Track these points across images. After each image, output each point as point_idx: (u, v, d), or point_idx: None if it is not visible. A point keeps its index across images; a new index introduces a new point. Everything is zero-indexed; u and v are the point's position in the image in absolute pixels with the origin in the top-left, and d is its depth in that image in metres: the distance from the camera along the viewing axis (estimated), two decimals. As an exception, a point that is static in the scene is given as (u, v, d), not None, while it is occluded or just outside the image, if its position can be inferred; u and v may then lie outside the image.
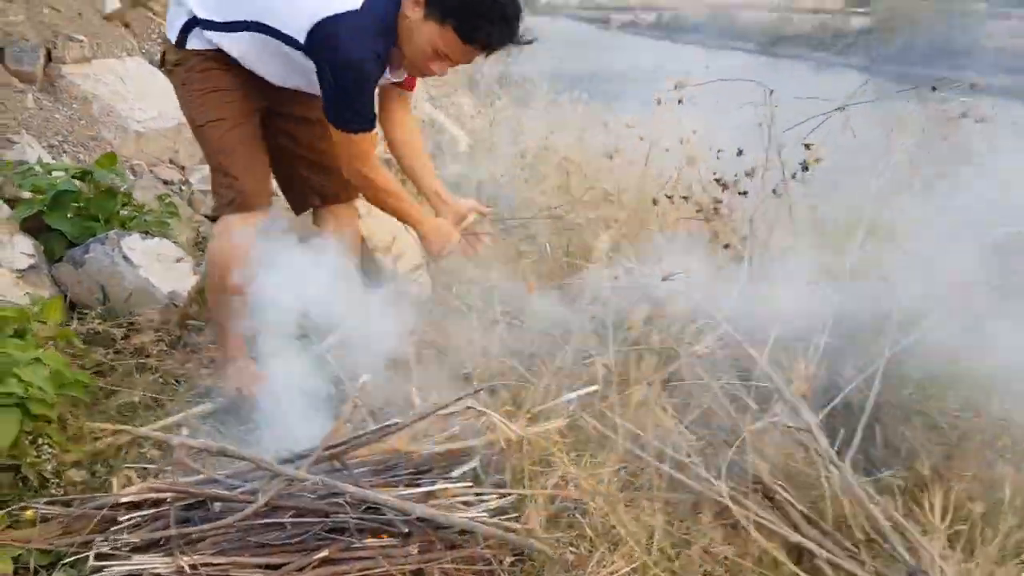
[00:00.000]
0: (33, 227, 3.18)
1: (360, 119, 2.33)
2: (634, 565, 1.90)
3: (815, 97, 2.79)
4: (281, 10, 2.27)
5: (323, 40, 2.20)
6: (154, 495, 1.81)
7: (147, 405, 2.60)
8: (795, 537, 1.87)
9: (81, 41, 5.18)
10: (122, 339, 2.84)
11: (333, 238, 2.59)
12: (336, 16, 2.17)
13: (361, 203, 2.88)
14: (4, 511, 1.87)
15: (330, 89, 2.26)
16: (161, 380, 2.78)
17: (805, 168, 2.80)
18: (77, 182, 3.23)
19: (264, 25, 2.29)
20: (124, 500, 1.80)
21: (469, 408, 2.01)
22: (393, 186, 2.51)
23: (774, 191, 2.82)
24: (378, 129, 2.49)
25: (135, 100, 5.22)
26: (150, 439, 2.19)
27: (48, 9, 5.20)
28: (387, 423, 1.96)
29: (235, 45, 2.37)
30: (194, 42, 2.40)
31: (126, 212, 3.36)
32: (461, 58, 2.28)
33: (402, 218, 2.60)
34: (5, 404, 1.87)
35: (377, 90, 2.44)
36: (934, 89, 2.92)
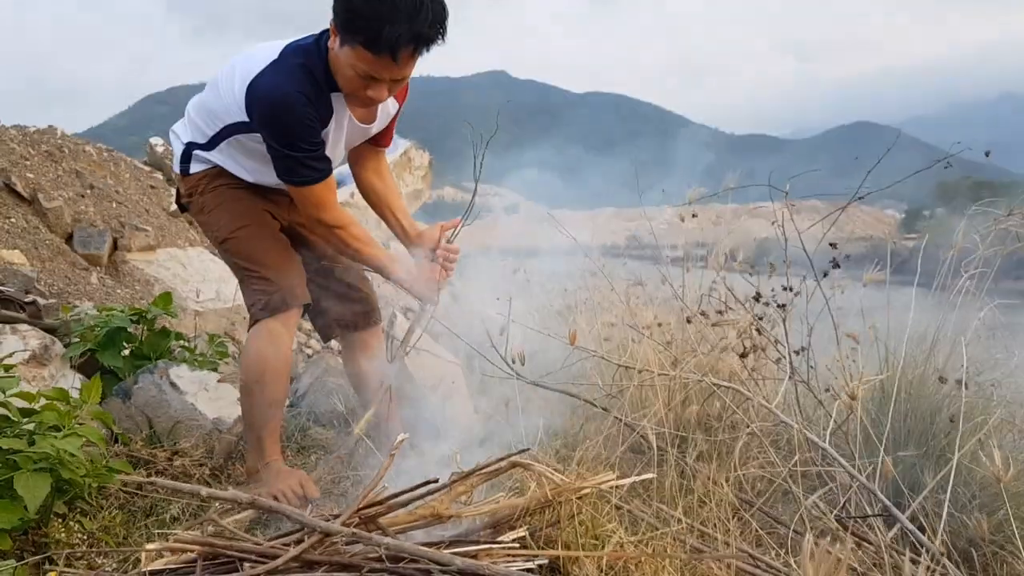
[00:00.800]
0: (86, 366, 3.23)
1: (308, 170, 2.31)
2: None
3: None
4: (229, 102, 2.33)
5: (251, 100, 2.24)
6: (180, 549, 1.69)
7: (184, 521, 2.50)
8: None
9: (146, 231, 5.52)
10: (165, 461, 2.78)
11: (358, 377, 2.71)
12: (258, 74, 2.23)
13: None
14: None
15: (273, 148, 2.28)
16: (200, 503, 2.68)
17: (836, 265, 2.80)
18: (132, 325, 3.31)
19: (228, 125, 2.38)
20: (149, 559, 1.70)
21: (516, 465, 1.89)
22: (359, 232, 2.50)
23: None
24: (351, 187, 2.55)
25: (195, 284, 5.46)
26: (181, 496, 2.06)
27: (116, 204, 5.60)
28: (428, 480, 1.85)
29: (223, 158, 2.47)
30: (196, 166, 2.52)
31: (178, 352, 3.40)
32: (384, 73, 2.19)
33: (373, 265, 2.58)
34: (38, 468, 1.81)
35: (347, 152, 2.55)
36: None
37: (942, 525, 2.05)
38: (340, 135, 2.44)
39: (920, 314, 2.89)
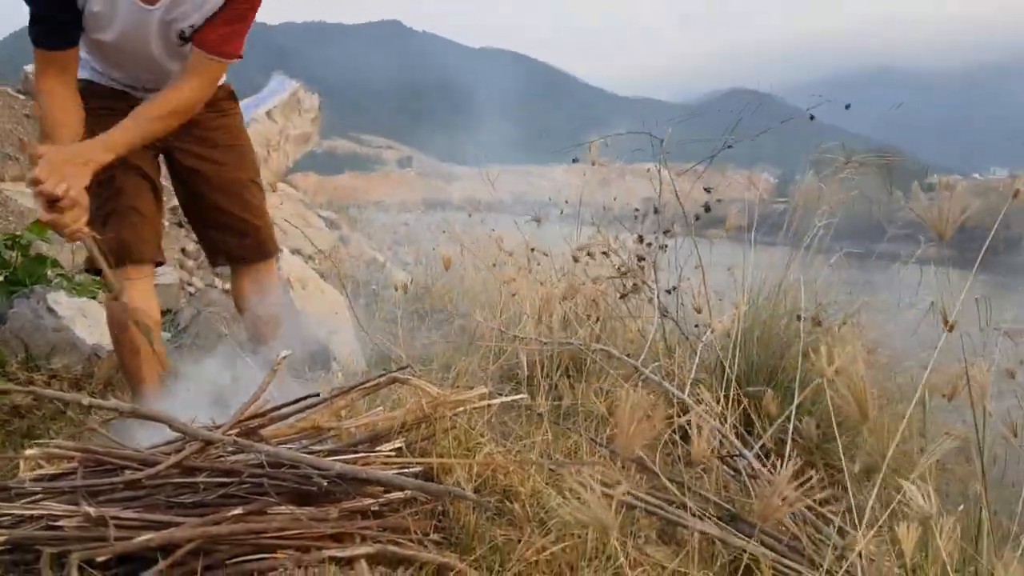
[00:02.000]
0: (-43, 292, 3.14)
1: (33, 28, 2.18)
2: (563, 545, 1.85)
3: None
4: None
5: None
6: (60, 456, 1.73)
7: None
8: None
9: (19, 160, 5.30)
10: (43, 383, 2.76)
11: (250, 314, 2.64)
12: None
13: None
14: None
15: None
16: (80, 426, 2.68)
17: (707, 209, 3.00)
18: (6, 251, 3.23)
19: None
20: (28, 468, 1.73)
21: (395, 381, 1.99)
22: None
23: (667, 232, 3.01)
24: None
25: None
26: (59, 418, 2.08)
27: (-10, 132, 5.37)
28: (308, 395, 1.93)
29: (84, 64, 2.34)
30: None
31: (56, 280, 3.34)
32: None
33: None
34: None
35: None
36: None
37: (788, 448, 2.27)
38: (113, 12, 2.19)
39: (780, 268, 3.14)
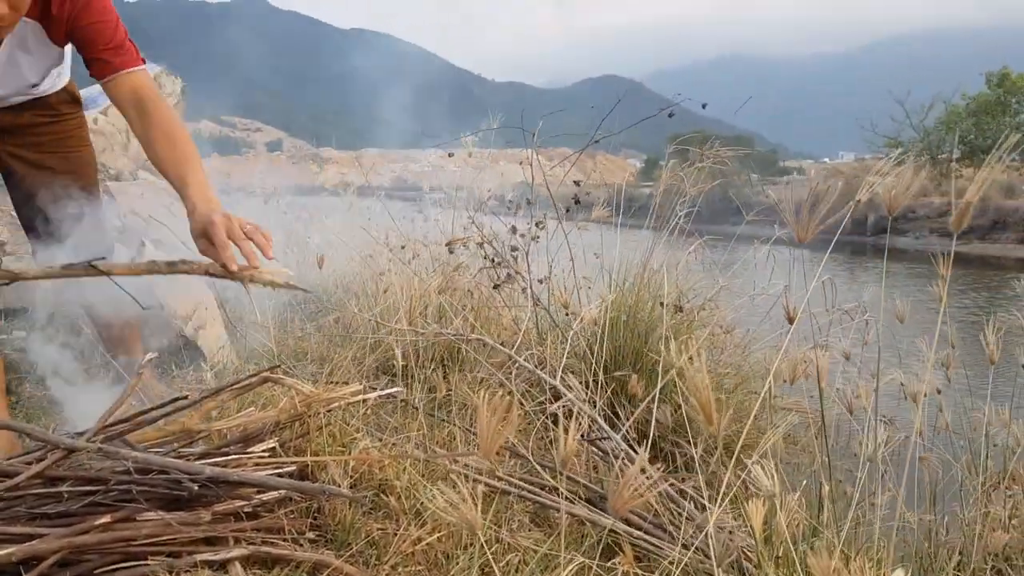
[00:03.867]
0: None
1: None
2: (438, 535, 1.89)
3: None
4: None
5: None
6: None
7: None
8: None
9: None
10: None
11: None
12: None
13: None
14: None
15: None
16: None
17: (577, 201, 3.11)
18: None
19: None
20: None
21: (267, 380, 1.98)
22: None
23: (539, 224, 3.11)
24: None
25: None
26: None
27: None
28: (176, 397, 1.89)
29: None
30: None
31: None
32: None
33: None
34: None
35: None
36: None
37: (652, 430, 2.39)
38: None
39: (644, 252, 3.27)
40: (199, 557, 1.63)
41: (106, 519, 1.63)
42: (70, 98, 2.40)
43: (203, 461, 1.81)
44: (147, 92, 2.07)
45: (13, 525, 1.59)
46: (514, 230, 3.37)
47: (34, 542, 1.52)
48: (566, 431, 1.15)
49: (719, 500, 1.31)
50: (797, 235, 1.29)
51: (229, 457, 1.85)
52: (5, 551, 1.47)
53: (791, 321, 1.40)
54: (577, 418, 1.76)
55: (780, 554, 1.29)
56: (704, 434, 1.78)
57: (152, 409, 1.86)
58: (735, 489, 1.45)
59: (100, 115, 5.96)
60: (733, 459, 1.33)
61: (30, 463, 1.71)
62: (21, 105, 2.25)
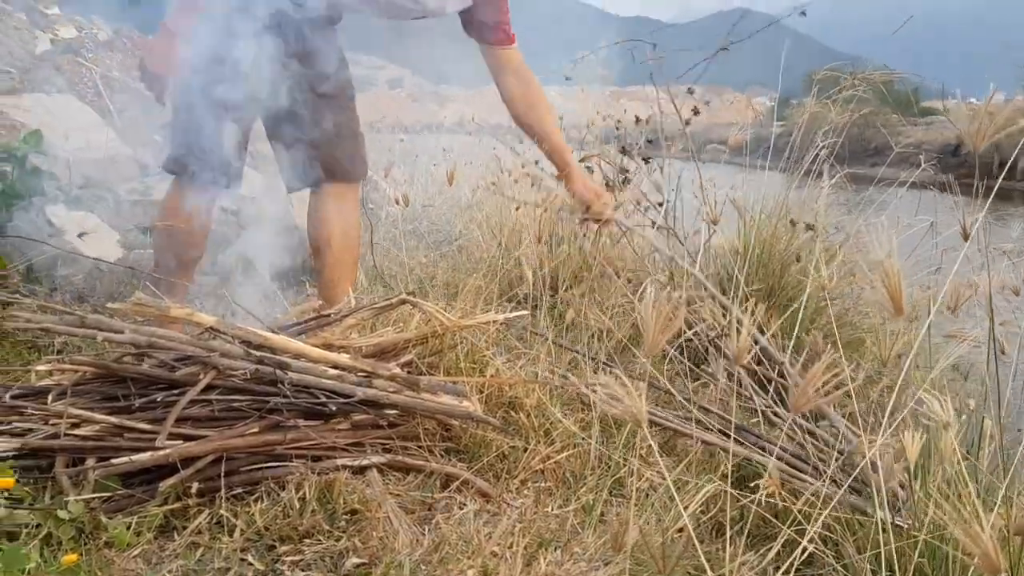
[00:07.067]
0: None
1: None
2: (567, 454, 1.89)
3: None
4: None
5: None
6: (74, 370, 1.74)
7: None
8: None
9: (10, 73, 5.21)
10: (45, 295, 2.77)
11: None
12: None
13: None
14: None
15: None
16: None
17: (696, 112, 2.98)
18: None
19: None
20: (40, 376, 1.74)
21: (405, 302, 2.01)
22: None
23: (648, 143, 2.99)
24: None
25: (64, 131, 5.22)
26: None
27: (-23, 43, 5.25)
28: (323, 313, 1.95)
29: None
30: None
31: (54, 194, 3.32)
32: None
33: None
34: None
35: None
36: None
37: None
38: None
39: (779, 191, 3.14)
40: (339, 461, 1.68)
41: (255, 429, 1.70)
42: None
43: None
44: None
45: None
46: (624, 151, 3.25)
47: (188, 444, 1.60)
48: (739, 325, 1.11)
49: (882, 429, 1.24)
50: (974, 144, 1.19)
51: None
52: (163, 452, 1.56)
53: (966, 238, 1.30)
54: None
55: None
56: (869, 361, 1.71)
57: (296, 324, 1.92)
58: (900, 418, 1.37)
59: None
60: (894, 388, 1.26)
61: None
62: None
